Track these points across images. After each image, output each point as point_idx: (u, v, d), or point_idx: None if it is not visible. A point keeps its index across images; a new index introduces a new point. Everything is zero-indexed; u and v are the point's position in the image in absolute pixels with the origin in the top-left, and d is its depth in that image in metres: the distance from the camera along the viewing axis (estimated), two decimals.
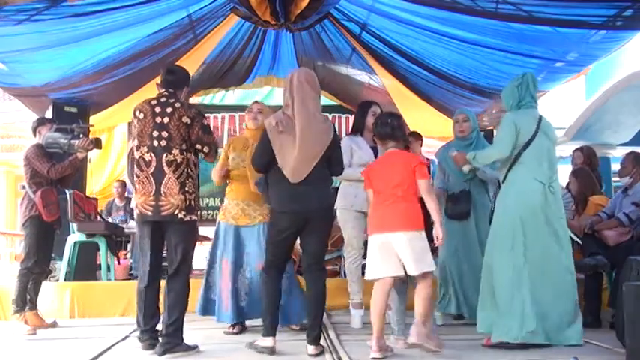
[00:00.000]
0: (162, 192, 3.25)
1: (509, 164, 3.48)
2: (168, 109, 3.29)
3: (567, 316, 3.35)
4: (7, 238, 10.80)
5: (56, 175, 4.21)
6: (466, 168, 3.84)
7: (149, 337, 3.36)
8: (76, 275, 5.44)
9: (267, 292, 3.30)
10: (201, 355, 3.29)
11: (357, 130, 4.26)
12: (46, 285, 4.59)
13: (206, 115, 8.19)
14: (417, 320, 3.09)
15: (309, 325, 3.23)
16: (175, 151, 3.27)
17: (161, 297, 3.40)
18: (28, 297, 4.24)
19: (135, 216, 3.46)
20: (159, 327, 3.39)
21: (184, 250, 3.34)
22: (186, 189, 3.29)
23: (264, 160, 3.29)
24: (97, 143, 4.31)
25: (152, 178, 3.27)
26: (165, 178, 3.25)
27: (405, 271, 3.11)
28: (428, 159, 6.01)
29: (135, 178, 3.36)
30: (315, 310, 3.23)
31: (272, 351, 3.17)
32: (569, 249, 3.48)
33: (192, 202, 3.33)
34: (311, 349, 3.17)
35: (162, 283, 3.40)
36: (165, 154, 3.26)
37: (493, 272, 3.41)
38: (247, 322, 4.09)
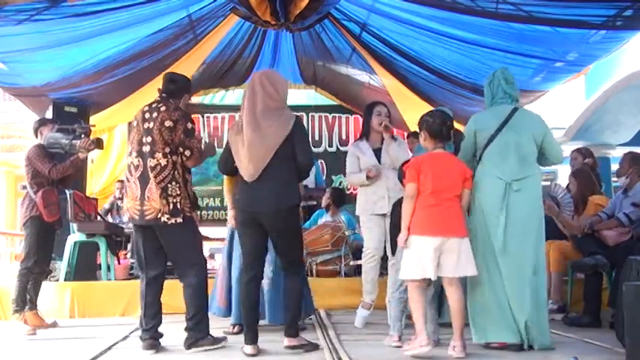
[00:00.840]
0: (145, 196, 3.29)
1: (475, 166, 3.44)
2: (154, 114, 3.34)
3: (536, 320, 3.25)
4: (7, 238, 10.80)
5: (57, 175, 4.21)
6: None
7: (149, 337, 3.36)
8: (76, 275, 5.44)
9: (242, 297, 3.32)
10: (201, 354, 3.29)
11: (364, 132, 4.24)
12: (46, 285, 4.59)
13: (206, 115, 8.30)
14: (458, 333, 3.09)
15: (287, 325, 3.29)
16: (158, 155, 3.29)
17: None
18: (28, 297, 4.24)
19: (124, 218, 3.50)
20: (160, 329, 3.43)
21: (182, 251, 3.36)
22: (169, 192, 3.28)
23: (227, 163, 3.35)
24: (98, 143, 4.34)
25: (138, 183, 3.31)
26: (150, 183, 3.29)
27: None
28: None
29: (126, 182, 3.42)
30: (291, 311, 3.28)
31: (252, 357, 3.16)
32: (541, 249, 3.36)
33: (179, 205, 3.30)
34: (287, 340, 3.23)
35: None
36: (149, 159, 3.29)
37: (471, 279, 3.36)
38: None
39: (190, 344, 3.29)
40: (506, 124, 3.37)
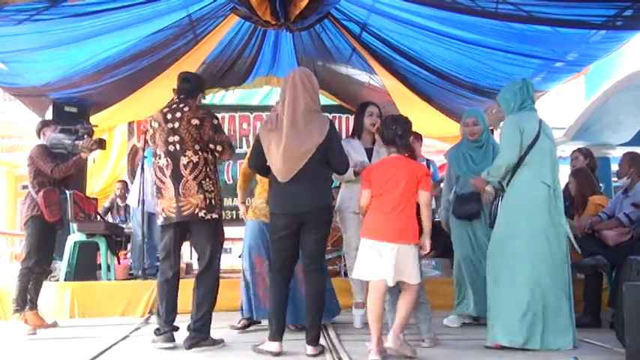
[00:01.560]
0: (181, 193, 3.34)
1: (515, 167, 3.43)
2: (177, 114, 3.40)
3: (562, 322, 3.29)
4: (7, 239, 10.79)
5: (59, 174, 4.22)
6: (489, 188, 3.74)
7: (169, 329, 3.41)
8: (76, 275, 5.44)
9: (272, 296, 3.29)
10: (202, 353, 3.29)
11: (356, 131, 4.27)
12: (46, 285, 4.59)
13: None
14: (394, 326, 3.10)
15: (308, 326, 3.23)
16: (189, 153, 3.36)
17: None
18: (29, 297, 4.25)
19: (159, 221, 3.51)
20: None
21: (211, 248, 3.43)
22: (205, 188, 3.37)
23: (258, 160, 3.32)
24: (100, 143, 4.36)
25: (171, 182, 3.37)
26: (183, 180, 3.35)
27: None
28: (428, 159, 6.01)
29: (159, 184, 3.45)
30: (313, 310, 3.22)
31: (276, 355, 3.15)
32: (567, 253, 3.44)
33: (213, 201, 3.40)
34: (310, 349, 3.16)
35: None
36: (180, 158, 3.36)
37: (499, 277, 3.37)
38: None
39: (191, 344, 3.31)
40: (540, 130, 3.43)
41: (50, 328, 4.28)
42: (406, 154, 3.27)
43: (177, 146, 3.37)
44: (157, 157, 3.46)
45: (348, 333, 3.89)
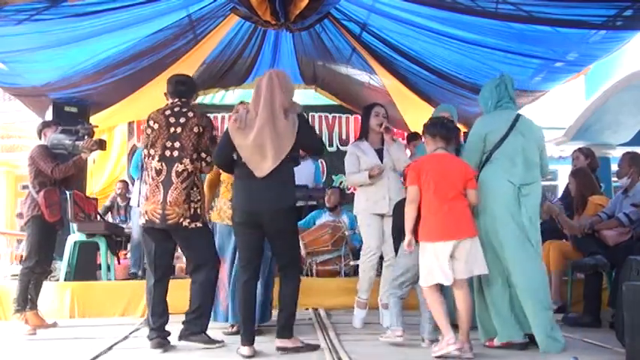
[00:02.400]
0: (168, 201, 3.32)
1: (481, 164, 3.40)
2: (182, 119, 3.40)
3: (542, 326, 3.23)
4: (7, 239, 10.78)
5: (60, 174, 4.22)
6: None
7: (157, 335, 3.37)
8: (76, 275, 5.44)
9: (239, 299, 3.30)
10: (199, 354, 3.29)
11: (363, 133, 4.27)
12: (46, 285, 4.59)
13: (206, 115, 8.28)
14: (464, 334, 3.08)
15: (280, 326, 3.25)
16: (186, 161, 3.36)
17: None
18: (29, 297, 4.24)
19: (141, 221, 3.48)
20: (167, 327, 3.44)
21: (197, 250, 3.44)
22: (192, 198, 3.39)
23: (224, 157, 3.33)
24: (100, 144, 4.35)
25: (161, 187, 3.35)
26: (172, 187, 3.34)
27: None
28: None
29: (145, 186, 3.44)
30: (286, 311, 3.25)
31: (249, 358, 3.14)
32: (539, 256, 3.38)
33: (198, 210, 3.41)
34: (278, 342, 3.21)
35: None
36: (176, 164, 3.35)
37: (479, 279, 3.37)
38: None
39: (182, 336, 3.34)
40: (513, 128, 3.37)
41: (50, 328, 4.28)
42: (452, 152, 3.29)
43: (176, 153, 3.36)
44: (150, 158, 3.41)
45: (348, 333, 3.88)
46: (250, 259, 3.29)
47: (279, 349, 3.19)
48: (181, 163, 3.35)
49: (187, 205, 3.35)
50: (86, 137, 4.27)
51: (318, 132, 8.36)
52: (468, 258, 3.08)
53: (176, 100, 3.52)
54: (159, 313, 3.41)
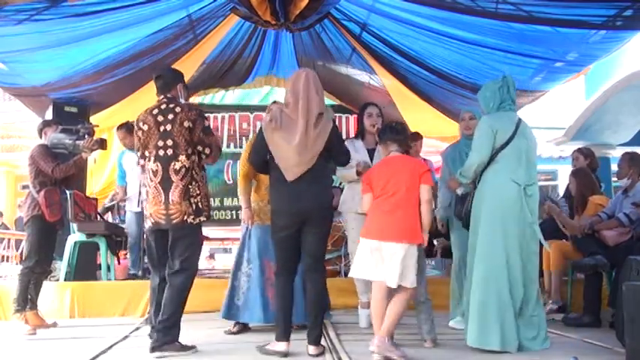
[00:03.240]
0: (170, 200, 3.28)
1: (486, 165, 3.41)
2: (170, 116, 3.31)
3: (531, 325, 3.29)
4: (8, 239, 10.78)
5: (60, 174, 4.22)
6: (459, 190, 3.76)
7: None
8: (76, 275, 5.44)
9: (278, 296, 3.29)
10: (200, 354, 3.29)
11: (359, 132, 4.29)
12: (46, 285, 4.59)
13: (206, 114, 8.29)
14: (382, 328, 3.08)
15: (310, 326, 3.22)
16: (182, 157, 3.29)
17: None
18: (29, 297, 4.24)
19: (147, 224, 3.44)
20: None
21: (191, 252, 3.35)
22: (191, 193, 3.31)
23: (259, 158, 3.32)
24: (101, 143, 4.34)
25: (160, 188, 3.29)
26: (173, 186, 3.28)
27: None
28: (425, 159, 6.00)
29: (145, 188, 3.39)
30: (314, 310, 3.22)
31: (284, 356, 3.14)
32: (536, 258, 3.40)
33: (200, 204, 3.34)
34: (312, 349, 3.16)
35: None
36: (172, 163, 3.28)
37: (474, 278, 3.35)
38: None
39: (155, 347, 3.19)
40: (517, 130, 3.39)
41: (50, 328, 4.28)
42: (405, 152, 3.29)
43: (170, 151, 3.28)
44: (146, 160, 3.36)
45: (348, 333, 3.88)
46: (290, 259, 3.29)
47: (316, 355, 3.15)
48: (177, 161, 3.28)
49: (187, 201, 3.29)
50: (86, 137, 4.26)
51: None
52: (394, 264, 3.06)
53: (162, 97, 3.42)
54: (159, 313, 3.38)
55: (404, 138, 3.37)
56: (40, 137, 4.48)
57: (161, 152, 3.29)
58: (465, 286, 3.48)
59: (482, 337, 3.21)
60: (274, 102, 4.23)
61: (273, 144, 3.21)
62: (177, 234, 3.32)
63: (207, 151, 3.36)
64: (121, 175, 6.09)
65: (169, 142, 3.28)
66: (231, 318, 4.01)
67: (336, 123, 3.39)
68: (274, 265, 3.83)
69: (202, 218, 3.35)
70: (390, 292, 3.16)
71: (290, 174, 3.17)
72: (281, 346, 3.16)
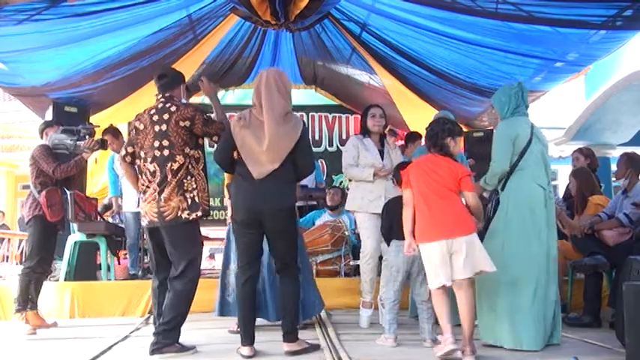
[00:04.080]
0: (162, 198, 3.25)
1: (509, 171, 3.44)
2: (165, 116, 3.28)
3: (555, 320, 3.35)
4: (8, 239, 10.78)
5: (61, 174, 4.22)
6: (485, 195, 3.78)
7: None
8: (76, 275, 5.44)
9: (240, 298, 3.28)
10: (201, 355, 3.29)
11: (363, 134, 4.28)
12: (46, 285, 4.59)
13: (206, 115, 8.28)
14: (465, 335, 3.04)
15: (282, 325, 3.25)
16: (179, 157, 3.26)
17: None
18: (29, 297, 4.24)
19: (143, 223, 3.41)
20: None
21: (188, 252, 3.29)
22: (185, 187, 3.25)
23: (227, 155, 3.30)
24: (102, 144, 4.35)
25: (157, 188, 3.26)
26: (167, 184, 3.26)
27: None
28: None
29: (144, 188, 3.36)
30: (286, 310, 3.25)
31: (248, 358, 3.13)
32: (556, 256, 3.47)
33: (196, 198, 3.27)
34: (286, 346, 3.19)
35: None
36: (169, 163, 3.25)
37: (502, 280, 3.34)
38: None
39: (154, 350, 3.18)
40: (533, 134, 3.45)
41: (50, 328, 4.28)
42: (444, 154, 3.23)
43: (166, 151, 3.25)
44: (142, 161, 3.34)
45: (348, 333, 3.88)
46: (250, 259, 3.28)
47: (288, 353, 3.17)
48: (175, 161, 3.25)
49: (182, 196, 3.23)
50: (87, 137, 4.27)
51: (318, 132, 8.38)
52: (466, 256, 3.03)
53: (160, 96, 3.39)
54: (161, 314, 3.37)
55: (444, 140, 3.26)
56: (41, 138, 4.49)
57: (157, 153, 3.27)
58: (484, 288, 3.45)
59: (517, 339, 3.23)
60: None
61: (241, 142, 3.21)
62: (172, 233, 3.27)
63: (215, 139, 3.35)
64: (113, 180, 6.02)
65: (165, 143, 3.25)
66: (225, 314, 4.04)
67: (307, 129, 3.33)
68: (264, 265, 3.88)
69: (199, 213, 3.26)
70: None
71: (257, 172, 3.17)
72: (244, 350, 3.16)
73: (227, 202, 4.09)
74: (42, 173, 4.24)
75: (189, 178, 3.27)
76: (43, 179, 4.23)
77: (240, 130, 3.22)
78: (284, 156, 3.17)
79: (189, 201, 3.25)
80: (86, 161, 4.44)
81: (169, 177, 3.25)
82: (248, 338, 3.19)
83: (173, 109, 3.29)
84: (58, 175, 4.21)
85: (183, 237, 3.29)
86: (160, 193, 3.26)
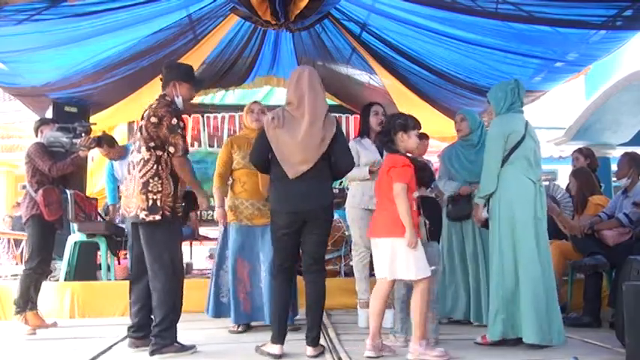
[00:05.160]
0: (129, 193, 3.29)
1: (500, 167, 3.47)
2: (146, 112, 3.31)
3: (551, 315, 3.34)
4: (8, 239, 10.78)
5: (57, 172, 4.19)
6: (448, 192, 3.81)
7: (131, 333, 3.40)
8: (76, 275, 5.44)
9: (275, 298, 3.28)
10: (201, 355, 3.29)
11: (363, 132, 4.34)
12: (46, 285, 4.59)
13: (206, 115, 8.30)
14: (413, 335, 3.09)
15: (308, 327, 3.21)
16: (143, 150, 3.25)
17: None
18: (29, 297, 4.22)
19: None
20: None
21: (152, 250, 3.24)
22: (150, 188, 3.20)
23: (261, 156, 3.29)
24: (98, 141, 4.32)
25: (129, 183, 3.32)
26: (133, 178, 3.27)
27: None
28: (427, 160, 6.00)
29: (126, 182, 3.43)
30: (313, 311, 3.21)
31: (277, 358, 3.13)
32: (548, 251, 3.46)
33: (158, 202, 3.19)
34: (310, 350, 3.16)
35: None
36: (137, 158, 3.26)
37: (498, 274, 3.40)
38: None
39: (154, 351, 3.18)
40: (526, 131, 3.48)
41: (50, 328, 4.28)
42: (395, 151, 3.27)
43: (138, 144, 3.29)
44: (131, 154, 3.43)
45: (348, 333, 3.88)
46: (288, 259, 3.28)
47: (312, 357, 3.14)
48: (139, 152, 3.25)
49: (144, 195, 3.18)
50: (83, 135, 4.20)
51: None
52: (390, 259, 3.10)
53: (159, 95, 3.42)
54: (133, 313, 3.41)
55: (392, 136, 3.33)
56: (37, 135, 4.43)
57: (135, 146, 3.34)
58: (496, 285, 3.46)
59: (542, 334, 3.27)
60: (255, 102, 4.28)
61: (276, 141, 3.19)
62: (141, 231, 3.28)
63: (171, 149, 3.24)
64: (112, 188, 5.86)
65: (137, 135, 3.32)
66: (222, 316, 4.05)
67: (340, 127, 3.35)
68: (248, 266, 3.89)
69: (157, 217, 3.18)
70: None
71: (292, 171, 3.15)
72: (274, 348, 3.15)
73: (215, 202, 4.07)
74: (38, 172, 4.20)
75: (156, 179, 3.23)
76: (40, 178, 4.20)
77: (275, 131, 3.20)
78: (319, 155, 3.16)
79: (150, 202, 3.20)
80: (84, 159, 4.43)
81: (135, 171, 3.26)
82: (281, 337, 3.18)
83: (154, 105, 3.32)
84: (54, 173, 4.18)
85: (149, 236, 3.26)
86: (133, 189, 3.27)
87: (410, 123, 3.27)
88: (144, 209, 3.19)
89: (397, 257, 3.09)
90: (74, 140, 4.17)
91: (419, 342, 3.06)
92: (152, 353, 3.19)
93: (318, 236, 3.24)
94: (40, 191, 4.14)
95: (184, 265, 3.97)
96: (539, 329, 3.24)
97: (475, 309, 4.07)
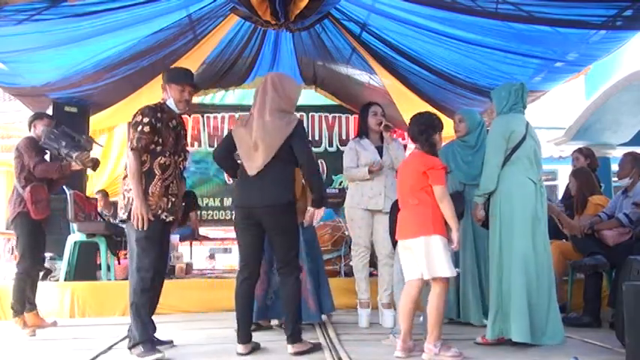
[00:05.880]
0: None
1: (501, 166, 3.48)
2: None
3: (548, 315, 3.34)
4: (8, 239, 10.76)
5: (40, 172, 4.06)
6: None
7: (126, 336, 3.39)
8: (76, 275, 5.44)
9: (236, 298, 3.29)
10: (200, 354, 3.29)
11: (362, 132, 4.33)
12: (46, 285, 4.59)
13: (206, 115, 8.31)
14: (429, 336, 3.07)
15: (284, 325, 3.27)
16: (128, 152, 3.26)
17: None
18: (27, 298, 4.19)
19: None
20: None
21: (136, 248, 3.21)
22: (125, 187, 3.27)
23: (221, 152, 3.41)
24: (94, 164, 4.12)
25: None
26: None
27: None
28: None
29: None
30: (287, 310, 3.26)
31: (242, 355, 3.17)
32: (547, 251, 3.46)
33: (127, 200, 3.23)
34: (290, 347, 3.19)
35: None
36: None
37: (497, 273, 3.41)
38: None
39: (130, 347, 3.19)
40: (527, 131, 3.49)
41: (50, 328, 4.28)
42: (426, 150, 3.25)
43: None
44: None
45: (348, 333, 3.88)
46: (248, 260, 3.29)
47: (294, 354, 3.17)
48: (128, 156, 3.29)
49: (122, 194, 3.26)
50: (84, 150, 4.06)
51: (318, 132, 8.38)
52: (417, 259, 3.09)
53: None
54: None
55: (423, 137, 3.31)
56: (30, 130, 4.32)
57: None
58: (495, 284, 3.46)
59: (506, 329, 3.30)
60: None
61: (237, 139, 3.31)
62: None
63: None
64: None
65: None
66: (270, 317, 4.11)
67: (303, 126, 3.33)
68: (265, 264, 3.85)
69: (125, 215, 3.22)
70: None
71: (250, 168, 3.22)
72: (239, 348, 3.20)
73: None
74: (26, 167, 4.09)
75: (126, 178, 3.26)
76: (27, 174, 4.08)
77: (237, 129, 3.32)
78: (274, 150, 3.18)
79: (126, 201, 3.24)
80: (71, 171, 4.20)
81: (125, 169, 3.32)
82: (244, 336, 3.23)
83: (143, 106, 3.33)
84: (38, 172, 4.05)
85: (131, 232, 3.24)
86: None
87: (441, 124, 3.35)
88: (121, 207, 3.27)
89: (434, 255, 3.07)
90: (72, 151, 4.00)
91: (434, 342, 3.05)
92: (130, 349, 3.18)
93: (279, 236, 3.25)
94: (28, 188, 4.01)
95: (166, 263, 3.92)
96: (527, 328, 3.23)
97: (464, 308, 4.07)
